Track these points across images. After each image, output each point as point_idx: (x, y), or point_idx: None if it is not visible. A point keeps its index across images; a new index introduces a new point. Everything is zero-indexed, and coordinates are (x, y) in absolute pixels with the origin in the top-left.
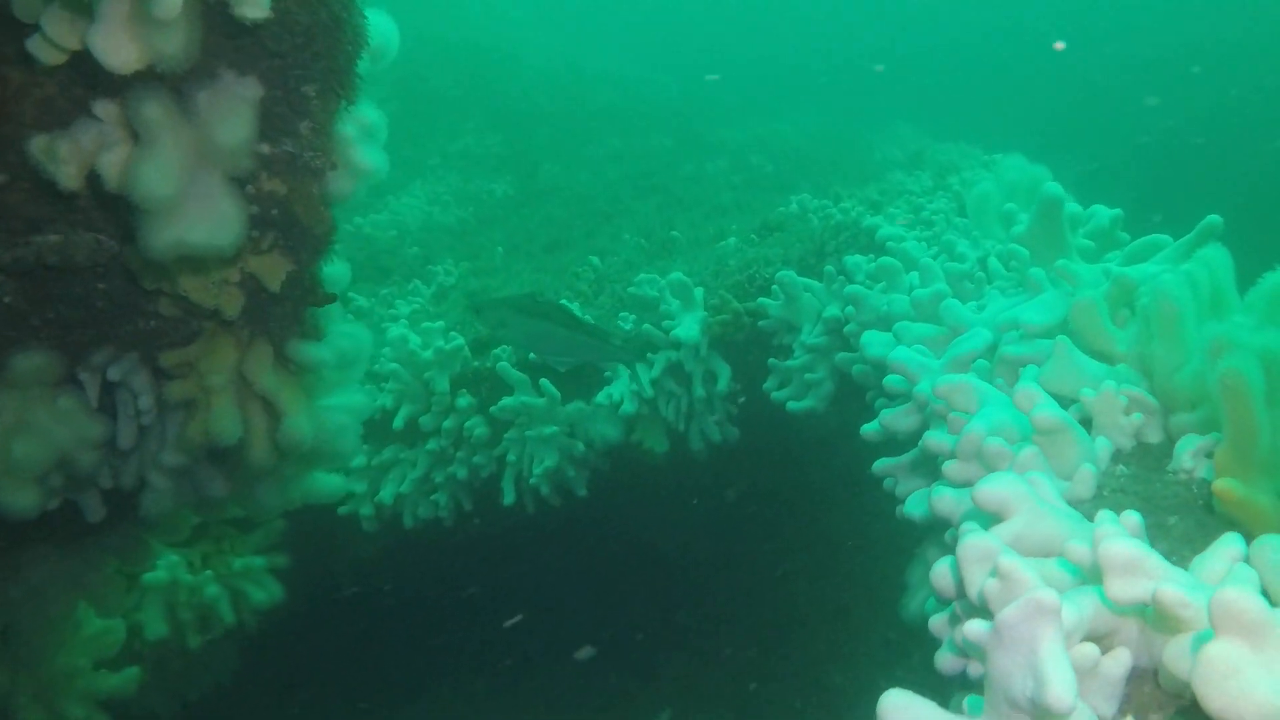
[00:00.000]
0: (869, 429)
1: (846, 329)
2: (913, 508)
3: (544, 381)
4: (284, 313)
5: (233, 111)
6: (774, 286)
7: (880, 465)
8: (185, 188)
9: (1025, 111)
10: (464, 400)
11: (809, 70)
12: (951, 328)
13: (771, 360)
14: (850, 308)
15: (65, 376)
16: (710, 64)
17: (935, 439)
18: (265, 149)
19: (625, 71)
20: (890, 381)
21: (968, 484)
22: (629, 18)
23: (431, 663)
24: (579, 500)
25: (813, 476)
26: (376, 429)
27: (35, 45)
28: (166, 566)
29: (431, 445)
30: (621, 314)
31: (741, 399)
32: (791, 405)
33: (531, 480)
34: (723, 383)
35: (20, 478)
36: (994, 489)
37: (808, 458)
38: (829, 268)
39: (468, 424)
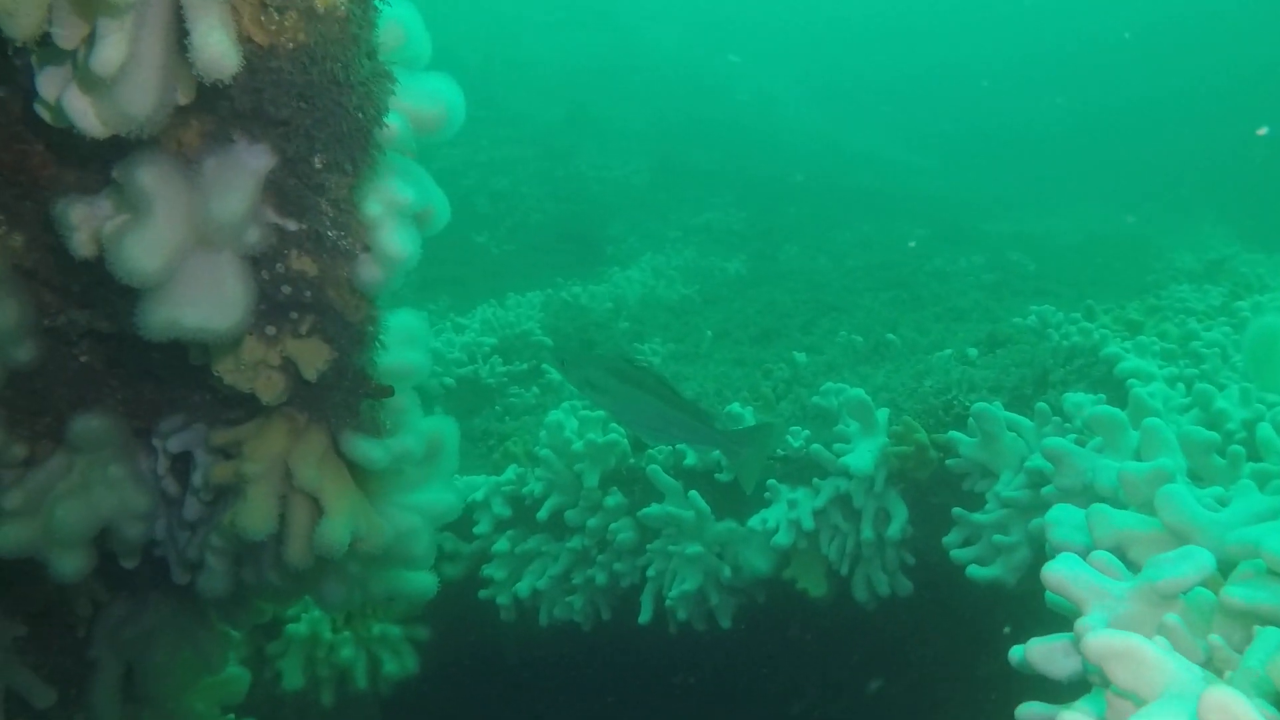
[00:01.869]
0: (1016, 655)
1: (1043, 491)
2: None
3: (693, 494)
4: (339, 402)
5: (233, 181)
6: (970, 420)
7: (1024, 712)
8: (180, 264)
9: None
10: (613, 500)
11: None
12: (1168, 527)
13: (957, 510)
14: (1050, 464)
15: (128, 442)
16: (984, 151)
17: None
18: (291, 225)
19: (889, 154)
20: (1050, 599)
21: None
22: (901, 99)
23: None
24: (723, 631)
25: (981, 668)
26: (527, 513)
27: (37, 105)
28: (310, 620)
29: (574, 543)
30: (794, 427)
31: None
32: (973, 571)
33: (668, 601)
34: (896, 526)
35: (62, 541)
36: None
37: (990, 634)
38: (1041, 404)
39: (613, 525)
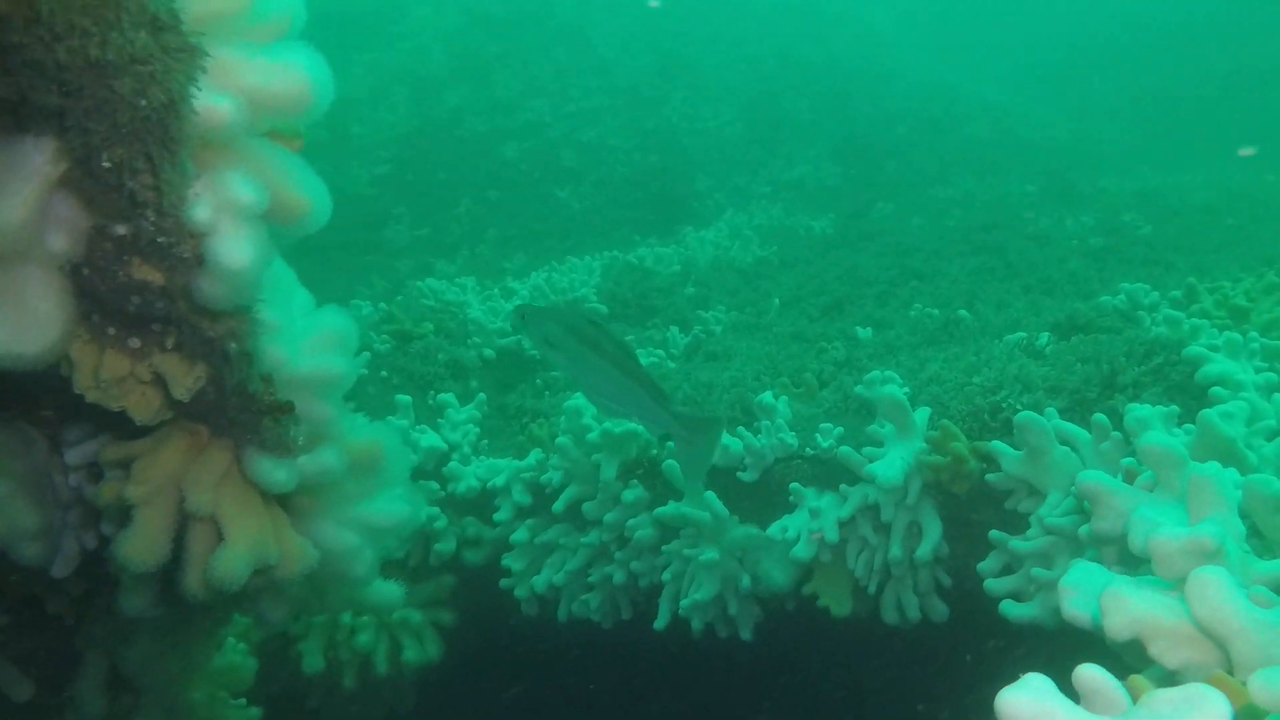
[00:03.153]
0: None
1: (1081, 531)
2: None
3: (709, 495)
4: (237, 420)
5: (10, 183)
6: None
7: None
8: None
9: None
10: (631, 494)
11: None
12: (1200, 623)
13: (996, 533)
14: (1087, 501)
15: (23, 452)
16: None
17: None
18: (120, 229)
19: (1010, 103)
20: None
21: None
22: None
23: None
24: (743, 644)
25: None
26: (548, 501)
27: None
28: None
29: (591, 538)
30: (824, 425)
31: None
32: (1008, 609)
33: (680, 609)
34: (927, 546)
35: None
36: None
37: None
38: (1099, 416)
39: (630, 522)
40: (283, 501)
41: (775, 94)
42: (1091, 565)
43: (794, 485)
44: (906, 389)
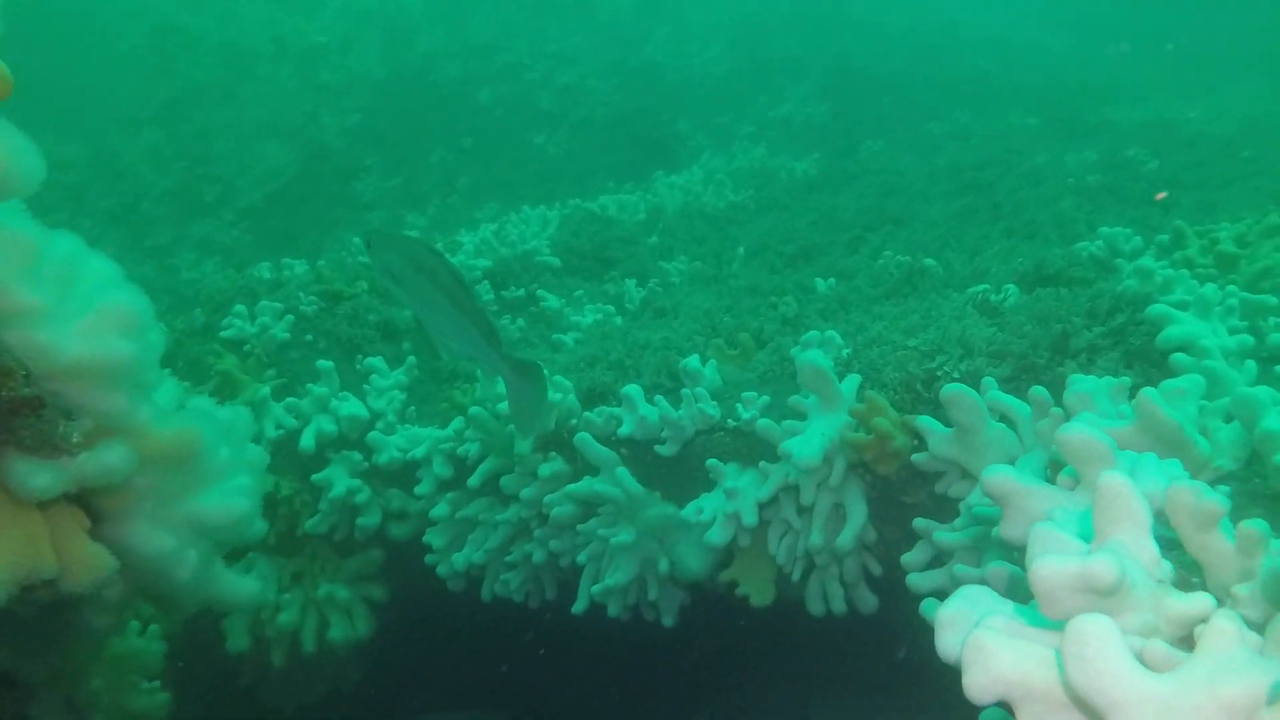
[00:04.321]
0: None
1: (994, 532)
2: None
3: (621, 471)
4: None
5: None
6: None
7: None
8: None
9: None
10: (548, 468)
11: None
12: (1074, 692)
13: (920, 521)
14: (993, 501)
15: None
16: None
17: None
18: None
19: (1014, 35)
20: None
21: None
22: None
23: None
24: (665, 630)
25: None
26: (468, 474)
27: None
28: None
29: (509, 514)
30: (746, 394)
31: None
32: (928, 608)
33: (594, 591)
34: (849, 533)
35: None
36: None
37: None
38: (1038, 389)
39: (548, 498)
40: (86, 503)
41: (765, 27)
42: (978, 591)
43: (711, 462)
44: (847, 351)
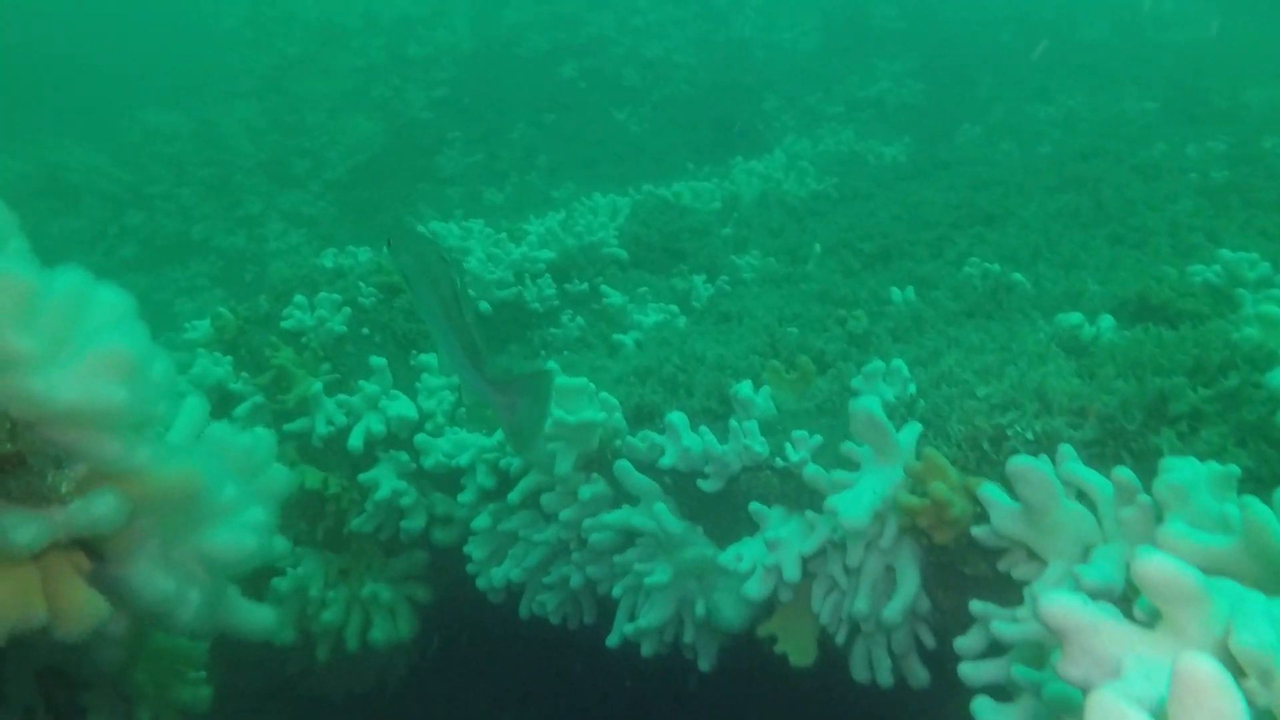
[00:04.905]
0: None
1: (1051, 663)
2: None
3: (659, 506)
4: None
5: None
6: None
7: None
8: None
9: None
10: (589, 490)
11: None
12: None
13: (978, 605)
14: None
15: None
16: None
17: None
18: None
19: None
20: None
21: None
22: None
23: None
24: (701, 675)
25: None
26: (511, 486)
27: None
28: (294, 577)
29: (548, 534)
30: (797, 432)
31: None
32: (980, 709)
33: (627, 630)
34: (897, 605)
35: None
36: None
37: None
38: (1121, 471)
39: (587, 523)
40: (87, 545)
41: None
42: None
43: (754, 506)
44: (913, 387)
